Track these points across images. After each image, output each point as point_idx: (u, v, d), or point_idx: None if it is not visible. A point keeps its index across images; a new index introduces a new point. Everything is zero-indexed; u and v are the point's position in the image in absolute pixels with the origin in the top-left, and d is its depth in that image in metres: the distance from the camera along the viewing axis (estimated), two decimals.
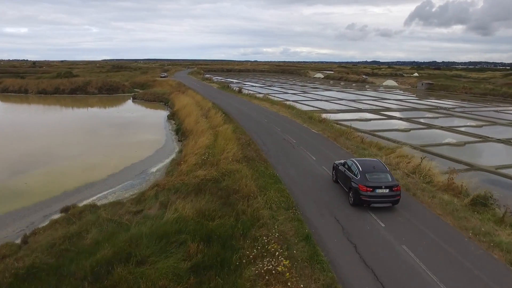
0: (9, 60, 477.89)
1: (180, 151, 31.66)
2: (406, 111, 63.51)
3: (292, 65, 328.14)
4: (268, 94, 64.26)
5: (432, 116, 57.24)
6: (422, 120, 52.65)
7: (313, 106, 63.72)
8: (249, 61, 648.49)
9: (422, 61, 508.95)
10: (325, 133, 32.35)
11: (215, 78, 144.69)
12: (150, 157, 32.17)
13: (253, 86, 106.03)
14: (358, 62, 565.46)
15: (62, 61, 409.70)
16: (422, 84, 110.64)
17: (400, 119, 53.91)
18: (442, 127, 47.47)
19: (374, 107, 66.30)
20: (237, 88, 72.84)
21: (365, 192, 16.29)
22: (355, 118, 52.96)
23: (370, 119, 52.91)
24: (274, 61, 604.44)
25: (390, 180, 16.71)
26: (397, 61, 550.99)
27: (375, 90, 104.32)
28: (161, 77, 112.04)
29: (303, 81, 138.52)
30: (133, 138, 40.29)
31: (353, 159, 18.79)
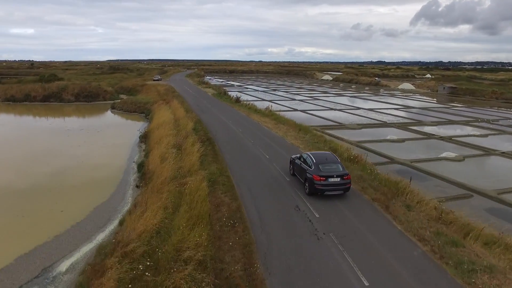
0: (15, 60, 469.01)
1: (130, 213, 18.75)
2: (441, 124, 50.09)
3: (297, 65, 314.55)
4: (271, 104, 50.81)
5: (479, 133, 43.69)
6: (472, 141, 39.16)
7: (327, 119, 50.43)
8: (254, 61, 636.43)
9: (428, 61, 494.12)
10: (367, 192, 18.56)
11: (215, 80, 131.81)
12: (76, 227, 19.08)
13: (255, 91, 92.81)
14: (364, 62, 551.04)
15: (65, 62, 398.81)
16: (444, 88, 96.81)
17: (441, 138, 40.55)
18: (503, 153, 34.29)
19: (401, 119, 52.89)
20: (235, 96, 59.56)
21: (318, 181, 17.36)
22: (382, 137, 39.73)
23: (404, 139, 39.67)
24: (279, 61, 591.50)
25: (341, 169, 17.87)
26: (402, 61, 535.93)
27: (392, 95, 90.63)
28: (154, 80, 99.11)
29: (310, 84, 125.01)
30: (74, 176, 27.22)
31: (308, 153, 19.97)
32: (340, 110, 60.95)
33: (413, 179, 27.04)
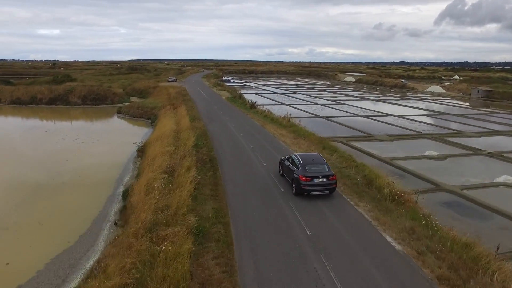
0: (41, 60, 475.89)
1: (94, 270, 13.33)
2: (486, 135, 43.10)
3: (318, 66, 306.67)
4: (289, 113, 44.71)
5: None
6: None
7: (353, 128, 44.12)
8: (274, 61, 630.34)
9: (453, 62, 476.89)
10: (427, 263, 11.76)
11: (232, 81, 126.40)
12: None
13: (274, 93, 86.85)
14: (386, 63, 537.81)
15: (88, 61, 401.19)
16: (478, 91, 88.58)
17: (490, 154, 33.77)
18: None
19: (436, 128, 46.09)
20: (250, 101, 53.79)
21: (304, 181, 17.37)
22: (419, 153, 33.25)
23: (446, 156, 33.16)
24: (299, 62, 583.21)
25: (327, 170, 17.88)
26: (426, 62, 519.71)
27: (421, 99, 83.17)
28: (168, 81, 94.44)
29: (332, 85, 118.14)
30: (43, 208, 21.93)
31: (296, 154, 19.91)
32: (366, 116, 54.44)
33: (471, 216, 20.85)
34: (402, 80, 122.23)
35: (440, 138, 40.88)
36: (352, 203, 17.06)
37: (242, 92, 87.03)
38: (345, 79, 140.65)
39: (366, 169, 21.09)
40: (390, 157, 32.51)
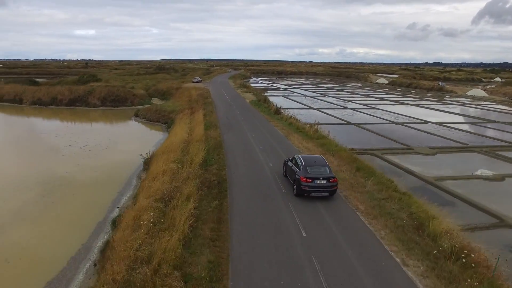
0: (77, 60, 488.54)
1: None
2: None
3: (349, 66, 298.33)
4: (317, 121, 39.91)
5: None
6: None
7: (389, 138, 38.97)
8: (304, 61, 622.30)
9: (491, 62, 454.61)
10: None
11: (260, 82, 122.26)
12: None
13: (302, 95, 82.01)
14: (419, 64, 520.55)
15: (120, 61, 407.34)
16: None
17: None
18: None
19: (485, 139, 40.12)
20: (276, 105, 49.38)
21: (305, 182, 17.37)
22: (468, 171, 27.79)
23: (503, 176, 27.69)
24: (329, 62, 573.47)
25: (328, 172, 17.82)
26: (462, 62, 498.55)
27: (461, 103, 76.20)
28: (193, 82, 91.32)
29: (364, 87, 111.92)
30: (23, 235, 18.45)
31: (299, 155, 19.77)
32: (402, 124, 48.95)
33: None
34: (440, 83, 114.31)
35: (491, 152, 35.17)
36: (397, 259, 12.39)
37: (268, 94, 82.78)
38: (377, 81, 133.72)
39: (413, 203, 16.28)
40: (435, 176, 27.44)
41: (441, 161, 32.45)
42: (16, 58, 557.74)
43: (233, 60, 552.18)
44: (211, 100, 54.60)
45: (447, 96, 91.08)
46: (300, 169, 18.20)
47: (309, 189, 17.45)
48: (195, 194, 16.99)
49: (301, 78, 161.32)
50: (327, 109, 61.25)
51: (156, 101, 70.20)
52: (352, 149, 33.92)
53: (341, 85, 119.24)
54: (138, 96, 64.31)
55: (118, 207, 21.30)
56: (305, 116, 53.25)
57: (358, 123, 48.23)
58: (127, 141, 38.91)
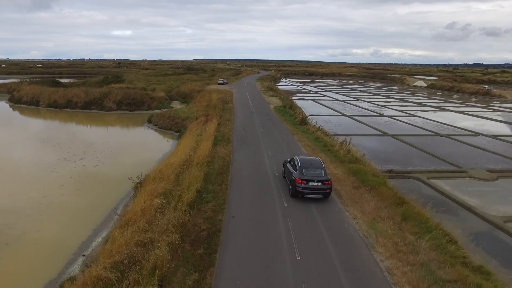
0: (113, 59, 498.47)
1: None
2: None
3: (383, 68, 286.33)
4: (349, 140, 33.34)
5: None
6: None
7: (435, 156, 32.13)
8: (337, 62, 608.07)
9: None
10: None
11: (290, 84, 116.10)
12: None
13: (333, 100, 75.26)
14: (458, 65, 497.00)
15: (154, 61, 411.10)
16: None
17: None
18: None
19: None
20: (302, 114, 43.32)
21: (300, 184, 17.25)
22: None
23: None
24: (363, 63, 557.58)
25: (323, 175, 17.63)
26: (505, 63, 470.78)
27: None
28: (218, 83, 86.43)
29: (401, 91, 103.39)
30: None
31: (297, 157, 19.49)
32: (448, 136, 41.72)
33: None
34: (486, 86, 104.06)
35: None
36: None
37: (297, 98, 76.65)
38: (415, 84, 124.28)
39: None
40: (502, 216, 20.92)
41: (505, 191, 25.62)
42: (58, 58, 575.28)
43: (265, 60, 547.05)
44: (232, 106, 49.18)
45: (495, 102, 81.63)
46: (296, 171, 18.06)
47: (303, 190, 17.37)
48: (166, 263, 11.49)
49: (333, 80, 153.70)
50: (360, 116, 54.56)
51: (176, 104, 65.68)
52: (391, 171, 27.55)
53: (376, 88, 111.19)
54: (156, 99, 59.84)
55: (83, 255, 16.14)
56: (335, 125, 46.96)
57: (396, 135, 41.47)
58: (129, 154, 33.97)
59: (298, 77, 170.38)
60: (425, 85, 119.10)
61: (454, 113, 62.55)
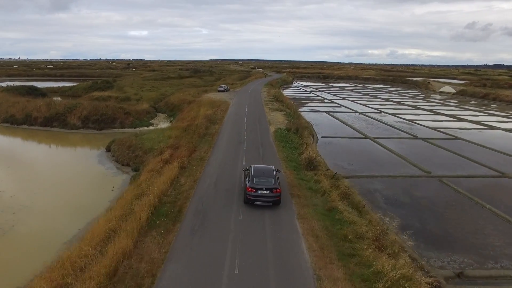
0: (129, 59, 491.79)
1: None
2: None
3: (401, 69, 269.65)
4: (385, 225, 19.90)
5: None
6: None
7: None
8: (353, 63, 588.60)
9: None
10: None
11: (302, 89, 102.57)
12: None
13: (351, 111, 61.70)
14: (478, 66, 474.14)
15: (168, 61, 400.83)
16: None
17: None
18: None
19: None
20: (309, 150, 30.16)
21: (250, 192, 17.55)
22: None
23: None
24: (379, 64, 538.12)
25: (272, 184, 17.73)
26: None
27: None
28: (218, 91, 73.82)
29: (427, 98, 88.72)
30: None
31: (252, 166, 19.53)
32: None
33: None
34: None
35: None
36: None
37: (309, 108, 63.43)
38: (442, 90, 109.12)
39: None
40: None
41: None
42: (75, 58, 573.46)
43: (280, 61, 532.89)
44: (218, 128, 36.38)
45: None
46: (248, 179, 18.10)
47: (253, 198, 17.50)
48: None
49: (349, 83, 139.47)
50: (388, 138, 41.21)
51: (161, 118, 53.39)
52: (463, 275, 14.64)
53: (398, 95, 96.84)
54: (134, 114, 47.51)
55: None
56: (356, 156, 33.85)
57: (446, 176, 28.25)
58: (44, 218, 21.51)
59: (312, 80, 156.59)
60: (454, 91, 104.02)
61: (503, 131, 48.49)
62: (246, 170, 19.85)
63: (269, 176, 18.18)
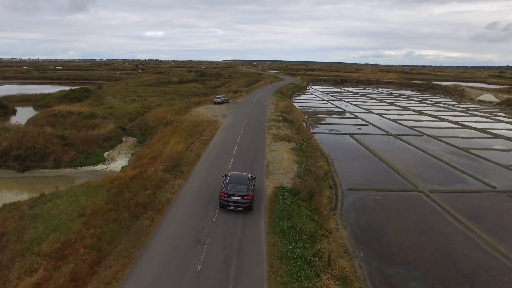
0: (145, 60, 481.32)
1: None
2: None
3: (422, 72, 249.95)
4: None
5: None
6: None
7: None
8: (369, 64, 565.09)
9: None
10: None
11: (318, 97, 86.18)
12: None
13: (383, 132, 45.44)
14: (498, 67, 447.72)
15: (182, 61, 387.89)
16: None
17: None
18: None
19: None
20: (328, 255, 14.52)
21: (223, 197, 18.13)
22: None
23: None
24: (396, 65, 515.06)
25: (245, 191, 18.21)
26: None
27: None
28: (215, 103, 58.45)
29: (469, 111, 71.46)
30: None
31: (230, 172, 20.31)
32: None
33: None
34: None
35: None
36: None
37: (326, 129, 47.37)
38: (481, 98, 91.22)
39: None
40: None
41: None
42: (92, 59, 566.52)
43: (295, 62, 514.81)
44: (177, 190, 21.01)
45: None
46: (223, 185, 18.74)
47: (225, 203, 18.06)
48: None
49: (370, 89, 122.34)
50: (451, 192, 25.07)
51: (125, 147, 38.31)
52: None
53: (430, 105, 79.62)
54: (79, 145, 32.33)
55: None
56: (417, 242, 17.79)
57: None
58: None
59: (328, 84, 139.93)
60: (497, 100, 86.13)
61: None
62: (225, 176, 20.17)
63: (243, 183, 18.66)
